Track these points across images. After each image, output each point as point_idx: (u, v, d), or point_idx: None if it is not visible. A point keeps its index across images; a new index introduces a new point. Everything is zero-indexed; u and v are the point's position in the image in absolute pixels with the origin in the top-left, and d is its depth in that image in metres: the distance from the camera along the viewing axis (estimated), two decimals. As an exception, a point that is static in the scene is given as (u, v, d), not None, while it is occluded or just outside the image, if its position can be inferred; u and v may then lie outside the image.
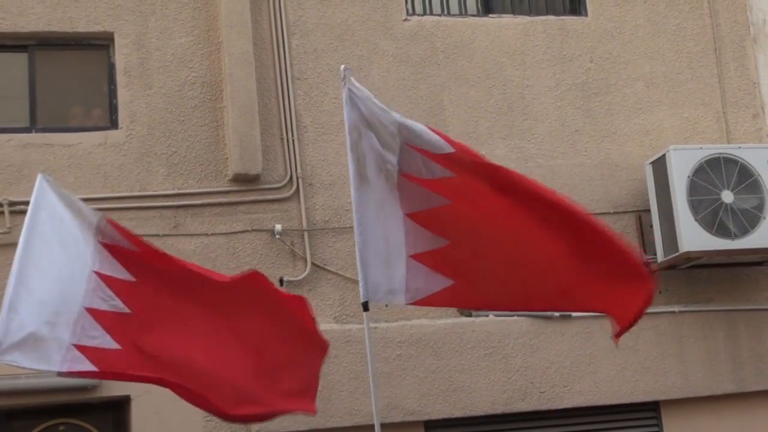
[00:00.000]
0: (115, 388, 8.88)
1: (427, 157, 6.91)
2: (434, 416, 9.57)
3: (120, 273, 7.09)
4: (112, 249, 7.10)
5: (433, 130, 6.98)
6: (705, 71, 10.95)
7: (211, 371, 7.13)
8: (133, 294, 7.09)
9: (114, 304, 7.03)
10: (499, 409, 9.67)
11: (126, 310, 7.04)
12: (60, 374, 7.00)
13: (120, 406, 9.23)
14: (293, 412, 7.59)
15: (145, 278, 7.13)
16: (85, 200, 7.46)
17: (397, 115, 7.01)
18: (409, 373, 9.51)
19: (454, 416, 9.64)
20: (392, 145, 6.93)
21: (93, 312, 6.96)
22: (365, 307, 6.98)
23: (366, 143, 6.96)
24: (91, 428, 9.27)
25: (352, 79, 7.06)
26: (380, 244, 6.97)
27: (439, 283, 7.00)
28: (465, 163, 6.93)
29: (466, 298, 7.26)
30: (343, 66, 7.11)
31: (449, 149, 6.91)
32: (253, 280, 7.39)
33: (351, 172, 6.95)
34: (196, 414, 9.06)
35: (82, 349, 6.89)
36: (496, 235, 6.93)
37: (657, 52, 10.87)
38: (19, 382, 8.69)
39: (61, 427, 9.22)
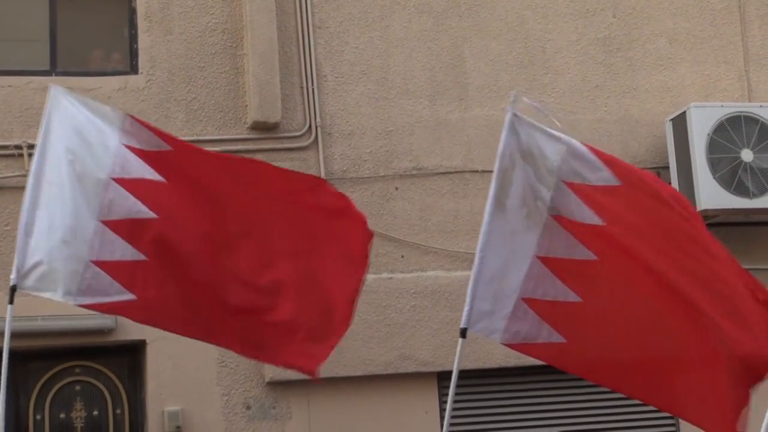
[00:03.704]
0: (131, 332, 8.94)
1: (580, 198, 6.59)
2: (447, 368, 9.56)
3: (148, 174, 6.69)
4: (139, 152, 6.70)
5: (594, 151, 6.69)
6: (728, 29, 10.87)
7: (226, 302, 6.77)
8: (161, 197, 6.69)
9: (138, 209, 6.64)
10: (512, 362, 9.68)
11: (152, 215, 6.64)
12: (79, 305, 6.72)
13: (135, 350, 9.30)
14: (295, 368, 7.18)
15: (177, 180, 6.73)
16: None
17: (566, 139, 6.72)
18: (423, 324, 9.54)
19: (467, 368, 9.63)
20: (548, 180, 6.62)
21: (110, 224, 6.61)
22: (463, 333, 6.78)
23: (518, 174, 6.64)
24: (106, 371, 9.34)
25: (525, 100, 6.82)
26: (495, 277, 6.68)
27: (546, 335, 6.66)
28: (621, 204, 6.61)
29: (570, 361, 6.82)
30: (513, 91, 6.86)
31: (613, 180, 6.62)
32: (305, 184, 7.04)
33: (490, 196, 6.66)
34: (211, 359, 9.16)
35: (100, 264, 6.59)
36: (631, 306, 6.58)
37: (681, 8, 10.79)
38: (35, 324, 8.74)
39: (77, 370, 9.29)
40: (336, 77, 9.93)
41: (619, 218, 6.62)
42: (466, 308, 6.71)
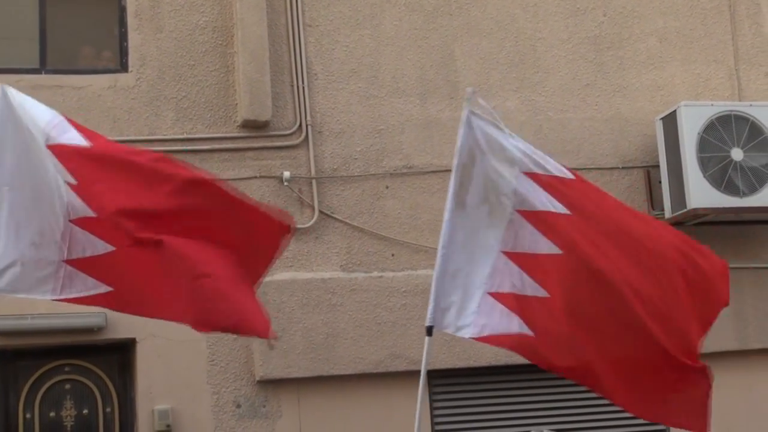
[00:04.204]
0: (121, 331, 8.94)
1: (541, 187, 6.65)
2: (437, 366, 9.61)
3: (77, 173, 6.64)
4: (62, 149, 6.65)
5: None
6: (718, 27, 10.89)
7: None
8: (93, 193, 6.63)
9: (84, 209, 6.60)
10: (502, 360, 9.69)
11: (91, 213, 6.60)
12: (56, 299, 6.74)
13: (125, 349, 9.29)
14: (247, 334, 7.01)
15: (91, 179, 6.67)
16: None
17: (517, 137, 6.78)
18: (413, 322, 9.53)
19: (457, 366, 9.68)
20: (509, 174, 6.67)
21: (78, 221, 6.62)
22: (429, 331, 6.75)
23: (478, 170, 6.68)
24: (96, 370, 9.32)
25: (480, 102, 6.82)
26: (459, 273, 6.73)
27: (515, 326, 6.69)
28: (579, 194, 6.71)
29: (540, 353, 6.80)
30: (470, 88, 6.88)
31: (567, 173, 6.71)
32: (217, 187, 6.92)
33: (450, 195, 6.71)
34: (201, 357, 9.16)
35: (73, 262, 6.63)
36: (596, 300, 6.60)
37: (671, 7, 10.80)
38: (25, 323, 8.74)
39: (67, 369, 9.27)
40: (326, 76, 9.93)
41: (580, 208, 6.70)
42: (430, 306, 6.72)
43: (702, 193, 9.76)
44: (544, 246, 6.63)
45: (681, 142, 9.83)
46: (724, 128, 9.87)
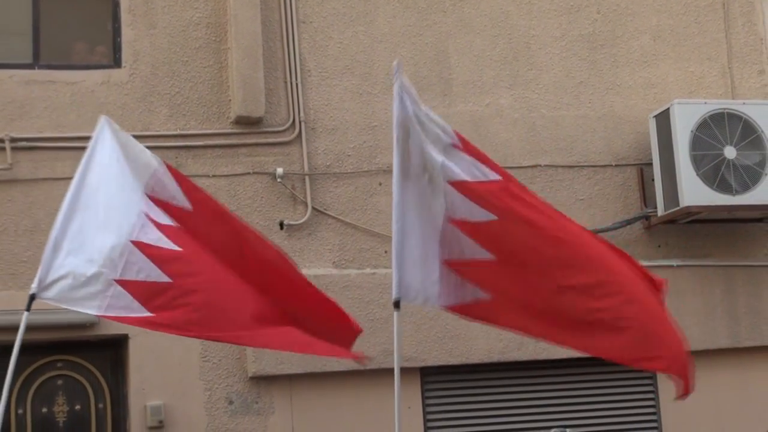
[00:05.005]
0: (113, 327, 8.91)
1: (471, 156, 6.72)
2: (430, 363, 9.62)
3: (169, 221, 7.00)
4: (161, 203, 7.02)
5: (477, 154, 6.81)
6: (712, 26, 10.90)
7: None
8: (182, 236, 6.96)
9: (163, 242, 6.88)
10: (495, 358, 9.72)
11: (176, 248, 6.87)
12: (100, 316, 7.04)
13: (118, 344, 9.28)
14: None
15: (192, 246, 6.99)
16: (86, 138, 7.38)
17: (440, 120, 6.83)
18: (406, 319, 9.51)
19: (450, 363, 9.69)
20: (438, 145, 6.70)
21: (140, 245, 6.84)
22: (396, 305, 6.73)
23: (414, 140, 6.69)
24: (88, 366, 9.32)
25: (403, 77, 6.75)
26: (417, 244, 6.71)
27: (471, 293, 6.72)
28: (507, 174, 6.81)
29: (500, 316, 6.84)
30: (396, 61, 6.84)
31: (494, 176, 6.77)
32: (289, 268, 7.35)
33: (395, 168, 6.68)
34: (194, 353, 9.16)
35: (123, 283, 6.80)
36: (538, 258, 6.65)
37: (664, 5, 10.81)
38: (16, 318, 8.69)
39: (59, 364, 9.27)
40: (320, 72, 9.92)
41: (508, 177, 6.80)
42: (394, 281, 6.69)
43: (695, 191, 9.77)
44: (479, 214, 6.67)
45: (674, 140, 9.84)
46: (717, 126, 9.88)
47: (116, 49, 9.62)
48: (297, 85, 9.81)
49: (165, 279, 6.80)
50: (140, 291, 6.81)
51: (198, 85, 9.64)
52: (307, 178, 9.67)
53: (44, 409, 9.17)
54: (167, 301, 6.80)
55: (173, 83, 9.59)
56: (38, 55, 9.51)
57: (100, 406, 9.29)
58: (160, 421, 9.03)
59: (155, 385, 9.12)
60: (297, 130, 9.75)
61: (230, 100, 9.62)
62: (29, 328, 8.87)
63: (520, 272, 6.68)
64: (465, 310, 6.86)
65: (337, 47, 9.97)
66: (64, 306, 7.01)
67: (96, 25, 9.82)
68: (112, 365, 9.37)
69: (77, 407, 9.24)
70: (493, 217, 6.66)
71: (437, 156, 6.69)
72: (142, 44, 9.59)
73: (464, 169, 6.72)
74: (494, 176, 6.75)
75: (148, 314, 6.84)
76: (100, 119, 7.24)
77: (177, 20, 9.69)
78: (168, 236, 6.90)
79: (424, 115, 6.74)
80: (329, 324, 7.27)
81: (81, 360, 9.31)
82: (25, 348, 9.02)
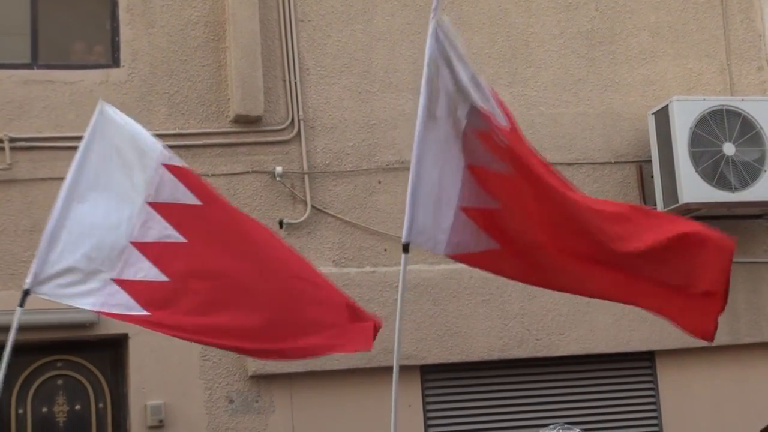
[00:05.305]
0: (113, 326, 8.91)
1: (489, 113, 6.57)
2: (430, 361, 9.62)
3: (184, 198, 6.95)
4: (163, 203, 6.96)
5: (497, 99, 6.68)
6: (710, 22, 10.90)
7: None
8: (192, 220, 6.92)
9: (167, 234, 6.86)
10: (495, 356, 9.72)
11: (181, 239, 6.86)
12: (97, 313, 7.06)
13: (118, 344, 9.28)
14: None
15: (199, 238, 6.95)
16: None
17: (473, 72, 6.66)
18: (406, 317, 9.49)
19: (450, 361, 9.69)
20: (463, 93, 6.54)
21: (139, 245, 6.81)
22: (405, 249, 6.54)
23: (442, 82, 6.53)
24: (88, 365, 9.32)
25: (445, 18, 6.66)
26: (434, 186, 6.54)
27: (484, 243, 6.63)
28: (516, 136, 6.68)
29: (507, 266, 6.81)
30: None
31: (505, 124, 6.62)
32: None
33: (420, 106, 6.51)
34: (194, 353, 9.15)
35: (121, 282, 6.78)
36: (547, 211, 6.58)
37: (663, 2, 10.81)
38: (15, 318, 8.70)
39: (59, 364, 9.27)
40: (319, 70, 9.92)
41: (517, 137, 6.65)
42: (406, 223, 6.51)
43: (694, 188, 9.77)
44: (494, 164, 6.57)
45: (673, 137, 9.84)
46: (716, 123, 9.88)
47: (115, 48, 9.62)
48: (296, 83, 9.80)
49: (163, 278, 6.80)
50: (138, 291, 6.79)
51: (197, 84, 9.64)
52: (306, 176, 9.67)
53: (44, 409, 9.17)
54: (165, 302, 6.80)
55: (172, 82, 9.59)
56: (37, 55, 9.50)
57: (100, 405, 9.28)
58: (161, 421, 9.03)
59: (155, 385, 9.12)
60: (296, 129, 9.74)
61: (229, 99, 9.61)
62: (29, 327, 8.89)
63: (524, 223, 6.61)
64: (473, 259, 6.76)
65: (335, 45, 9.97)
66: (58, 302, 6.96)
67: (94, 25, 9.81)
68: (112, 365, 9.36)
69: (77, 407, 9.24)
70: (505, 167, 6.55)
71: (462, 102, 6.54)
72: (141, 43, 9.59)
73: (485, 120, 6.55)
74: (504, 123, 6.58)
75: (145, 313, 6.82)
76: (98, 104, 7.14)
77: (175, 19, 9.68)
78: (169, 234, 6.86)
79: (457, 61, 6.55)
80: (343, 320, 7.30)
81: (81, 360, 9.30)
82: (25, 348, 9.05)
